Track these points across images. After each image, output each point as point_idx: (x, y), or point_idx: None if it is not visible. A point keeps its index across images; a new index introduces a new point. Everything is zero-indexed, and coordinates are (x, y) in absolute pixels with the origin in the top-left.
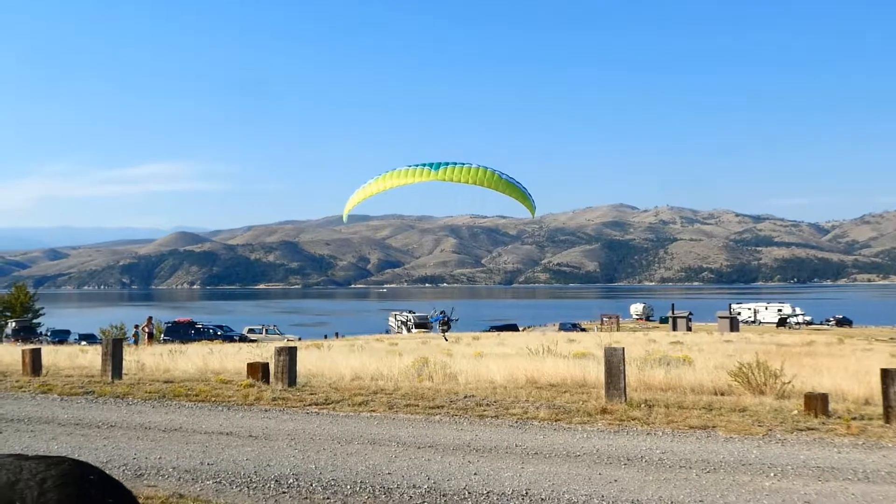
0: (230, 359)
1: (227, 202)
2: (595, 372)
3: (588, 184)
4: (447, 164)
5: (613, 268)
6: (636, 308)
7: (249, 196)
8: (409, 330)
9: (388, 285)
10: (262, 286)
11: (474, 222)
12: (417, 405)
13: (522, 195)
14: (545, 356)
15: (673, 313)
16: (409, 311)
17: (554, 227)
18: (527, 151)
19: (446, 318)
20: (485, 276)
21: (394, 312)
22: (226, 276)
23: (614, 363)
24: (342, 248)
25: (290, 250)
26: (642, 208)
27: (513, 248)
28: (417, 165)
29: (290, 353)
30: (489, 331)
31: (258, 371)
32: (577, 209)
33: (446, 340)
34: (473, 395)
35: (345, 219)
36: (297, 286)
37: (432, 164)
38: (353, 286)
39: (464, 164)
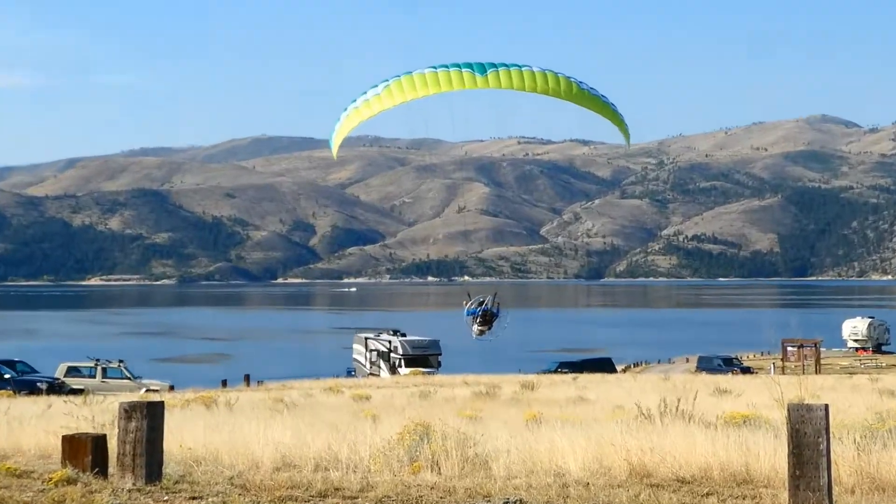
0: (28, 428)
1: (29, 113)
2: (769, 454)
3: (765, 85)
4: (496, 65)
5: (808, 245)
6: (854, 327)
7: (73, 99)
8: (393, 369)
9: (354, 280)
10: (95, 281)
11: (527, 152)
12: None
13: (611, 113)
14: (668, 421)
15: None
16: (394, 333)
17: (687, 164)
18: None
19: (487, 311)
20: (548, 263)
21: (363, 335)
22: (21, 261)
23: (808, 438)
24: (258, 206)
25: (153, 209)
26: (867, 126)
27: (604, 204)
28: (449, 67)
29: (150, 417)
30: (556, 371)
31: (84, 451)
32: (733, 128)
33: (491, 340)
34: (522, 502)
35: (334, 154)
36: (167, 281)
37: (473, 64)
38: (281, 281)
39: (521, 66)
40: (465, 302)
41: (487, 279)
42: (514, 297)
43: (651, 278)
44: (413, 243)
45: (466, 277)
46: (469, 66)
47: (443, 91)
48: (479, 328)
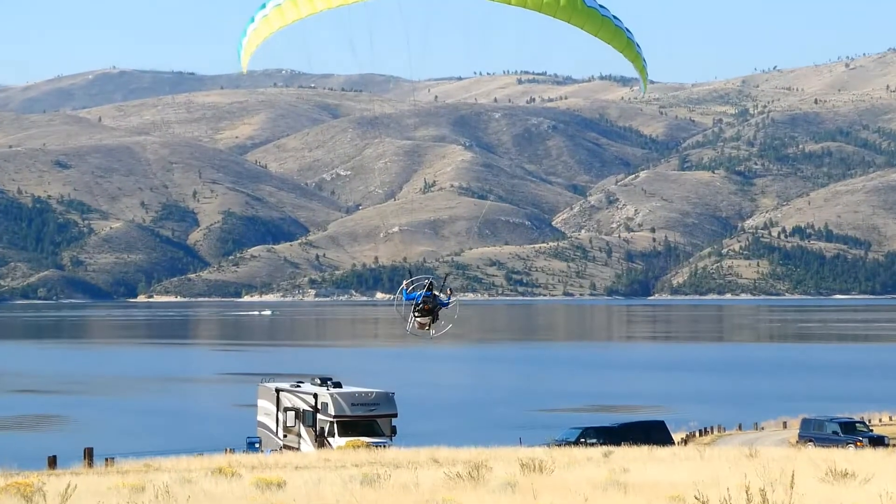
0: None
1: None
2: None
3: None
4: None
5: None
6: None
7: None
8: (321, 438)
9: (263, 299)
10: None
11: (531, 96)
12: None
13: (628, 45)
14: None
15: None
16: (323, 383)
17: (787, 115)
18: None
19: (431, 297)
20: (566, 272)
21: (274, 386)
22: None
23: None
24: (107, 181)
25: None
26: None
27: (654, 178)
28: None
29: None
30: (578, 441)
31: None
32: (858, 56)
33: (431, 334)
34: None
35: (244, 67)
36: None
37: None
38: (144, 300)
39: None
40: (405, 282)
41: (470, 296)
42: (512, 324)
43: (728, 295)
44: (353, 240)
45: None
46: None
47: None
48: (420, 320)
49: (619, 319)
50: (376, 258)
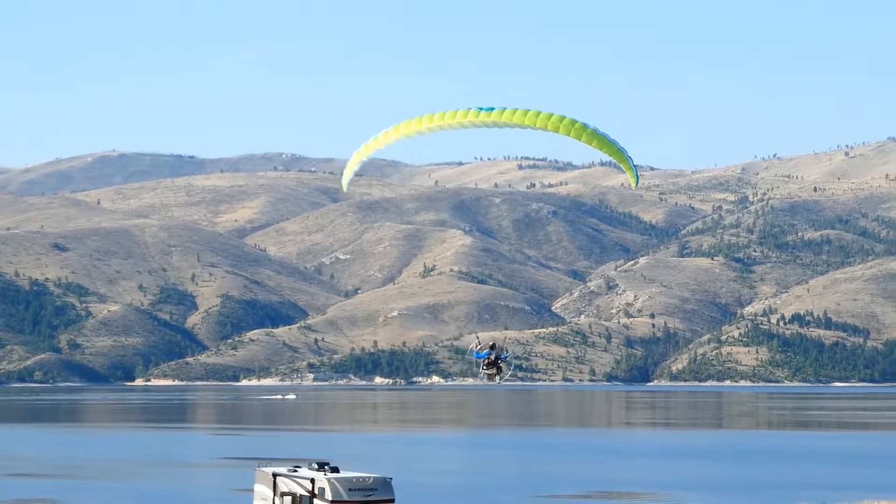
0: None
1: None
2: None
3: None
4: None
5: None
6: None
7: None
8: None
9: (263, 382)
10: None
11: (532, 181)
12: None
13: (619, 154)
14: None
15: None
16: (321, 468)
17: (786, 202)
18: None
19: (493, 356)
20: (565, 357)
21: (270, 470)
22: None
23: None
24: (105, 264)
25: None
26: None
27: (654, 265)
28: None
29: None
30: None
31: None
32: (857, 145)
33: (499, 383)
34: None
35: (345, 187)
36: None
37: (481, 107)
38: (142, 383)
39: (525, 109)
40: (474, 344)
41: (469, 381)
42: (512, 409)
43: (728, 382)
44: (352, 324)
45: (436, 379)
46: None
47: (444, 126)
48: (487, 371)
49: (619, 405)
50: (375, 342)
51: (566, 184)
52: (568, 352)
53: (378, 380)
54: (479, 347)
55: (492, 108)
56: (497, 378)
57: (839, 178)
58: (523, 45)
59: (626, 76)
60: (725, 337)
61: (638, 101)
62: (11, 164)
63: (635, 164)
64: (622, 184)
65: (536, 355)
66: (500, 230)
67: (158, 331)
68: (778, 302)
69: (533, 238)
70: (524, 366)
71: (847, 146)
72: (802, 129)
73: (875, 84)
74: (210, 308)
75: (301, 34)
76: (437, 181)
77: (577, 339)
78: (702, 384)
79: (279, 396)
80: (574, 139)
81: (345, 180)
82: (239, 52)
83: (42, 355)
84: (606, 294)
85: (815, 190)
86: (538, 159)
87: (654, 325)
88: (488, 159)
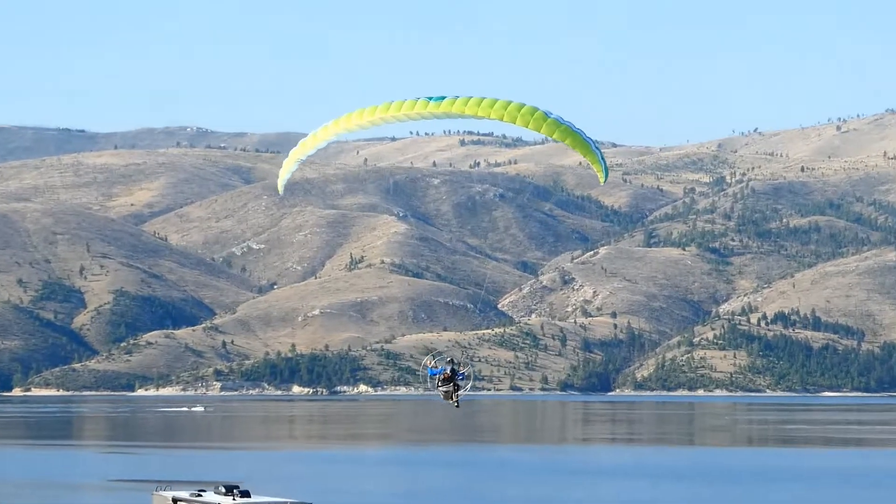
0: None
1: None
2: None
3: None
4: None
5: None
6: None
7: None
8: None
9: (163, 391)
10: None
11: (476, 159)
12: None
13: (584, 146)
14: None
15: None
16: (229, 492)
17: (768, 184)
18: None
19: (451, 370)
20: (514, 362)
21: (170, 494)
22: None
23: None
24: None
25: None
26: None
27: (616, 255)
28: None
29: None
30: None
31: None
32: (850, 118)
33: (457, 406)
34: None
35: (280, 189)
36: None
37: (431, 96)
38: (20, 393)
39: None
40: (427, 360)
41: (402, 391)
42: (451, 422)
43: (701, 392)
44: (266, 325)
45: (364, 388)
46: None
47: (397, 117)
48: (443, 389)
49: (575, 418)
50: (293, 346)
51: (515, 162)
52: (517, 356)
53: (296, 389)
54: (433, 363)
55: (442, 98)
56: (453, 397)
57: (830, 157)
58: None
59: (586, 40)
60: (698, 339)
61: (598, 68)
62: None
63: (603, 155)
64: (580, 163)
65: (480, 360)
66: (438, 216)
67: (40, 332)
68: (759, 299)
69: (477, 225)
70: (464, 373)
71: (839, 119)
72: (787, 100)
73: (871, 48)
74: (101, 306)
75: None
76: (366, 159)
77: (528, 341)
78: (671, 394)
79: (185, 408)
80: (533, 130)
81: (280, 182)
82: (135, 7)
83: None
84: (561, 290)
85: (802, 170)
86: (483, 134)
87: (615, 326)
88: (426, 134)
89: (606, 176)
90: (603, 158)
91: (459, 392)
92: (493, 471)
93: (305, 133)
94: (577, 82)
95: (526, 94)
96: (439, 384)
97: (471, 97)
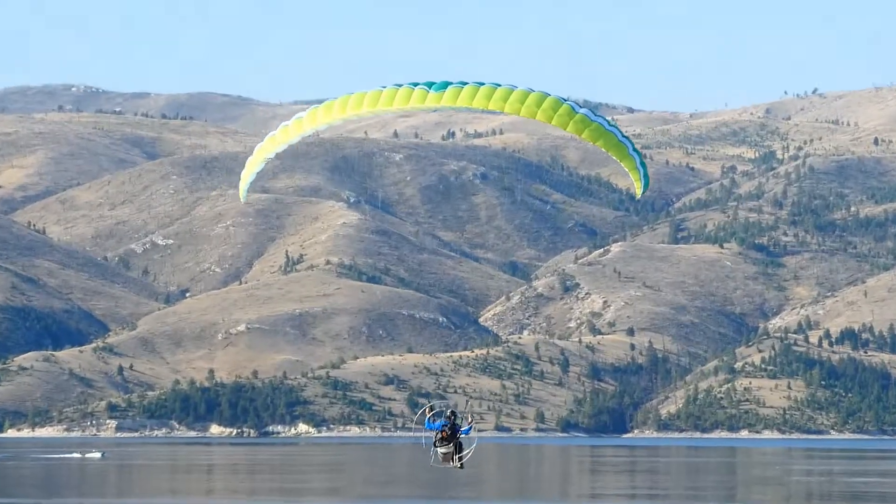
0: None
1: None
2: None
3: None
4: (462, 84)
5: None
6: None
7: None
8: None
9: (40, 432)
10: None
11: (451, 128)
12: None
13: (623, 151)
14: None
15: None
16: None
17: (832, 161)
18: None
19: (451, 423)
20: (500, 394)
21: None
22: None
23: None
24: None
25: None
26: None
27: (631, 254)
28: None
29: None
30: None
31: None
32: None
33: (461, 468)
34: None
35: (242, 197)
36: None
37: (432, 83)
38: None
39: (495, 84)
40: (426, 410)
41: (354, 431)
42: (418, 473)
43: (744, 433)
44: (176, 345)
45: (305, 428)
46: (427, 84)
47: (388, 109)
48: (443, 450)
49: (580, 467)
50: (212, 372)
51: (501, 133)
52: (504, 386)
53: (216, 429)
54: (430, 416)
55: (445, 85)
56: (455, 460)
57: None
58: None
59: None
60: (741, 364)
61: (612, 11)
62: None
63: (643, 160)
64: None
65: (456, 391)
66: (401, 202)
67: None
68: (820, 312)
69: (452, 214)
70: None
71: None
72: (855, 53)
73: None
74: None
75: None
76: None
77: (518, 366)
78: (706, 436)
79: (78, 454)
80: (557, 127)
81: (242, 187)
82: None
83: None
84: (562, 299)
85: (875, 143)
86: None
87: (633, 347)
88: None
89: (646, 188)
90: (643, 164)
91: (464, 452)
92: None
93: (225, 94)
94: (587, 31)
95: (530, 48)
96: (436, 444)
97: (480, 85)
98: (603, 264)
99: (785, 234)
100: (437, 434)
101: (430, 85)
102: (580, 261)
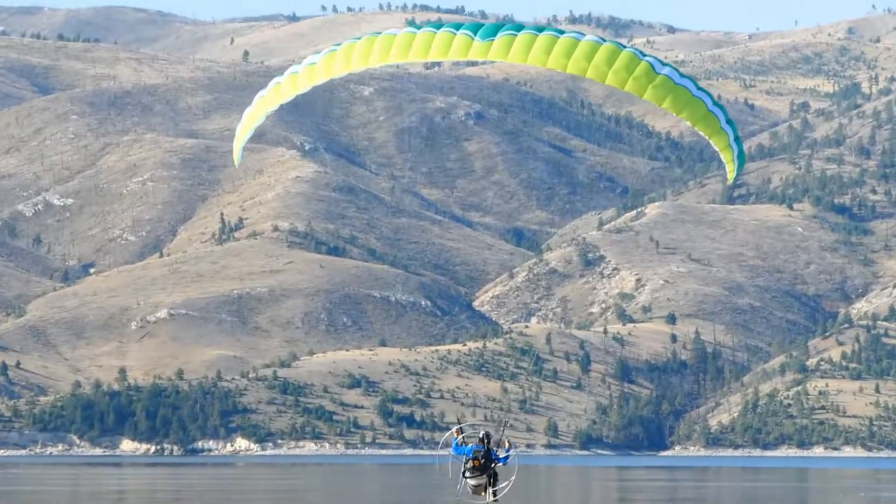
0: None
1: None
2: None
3: None
4: (508, 28)
5: None
6: None
7: None
8: None
9: None
10: None
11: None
12: None
13: (714, 126)
14: None
15: None
16: None
17: None
18: None
19: (483, 452)
20: (499, 402)
21: None
22: None
23: None
24: None
25: None
26: None
27: (674, 215)
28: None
29: None
30: None
31: None
32: None
33: (495, 502)
34: None
35: (236, 161)
36: None
37: (459, 25)
38: None
39: (536, 30)
40: (454, 430)
41: (310, 448)
42: (396, 499)
43: (820, 449)
44: (76, 336)
45: (245, 444)
46: (468, 27)
47: (418, 59)
48: (473, 482)
49: (605, 496)
50: (123, 371)
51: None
52: (505, 390)
53: (128, 446)
54: (460, 439)
55: (493, 33)
56: (488, 493)
57: None
58: None
59: None
60: (816, 361)
61: None
62: None
63: (739, 136)
64: None
65: (443, 395)
66: (371, 150)
67: None
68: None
69: (438, 165)
70: (420, 417)
71: None
72: None
73: None
74: None
75: None
76: (246, 52)
77: (524, 364)
78: (769, 454)
79: None
80: (629, 92)
81: (236, 150)
82: None
83: None
84: (581, 276)
85: None
86: (447, 11)
87: (674, 339)
88: (348, 10)
89: (739, 173)
90: (738, 139)
91: (501, 485)
92: None
93: (140, 9)
94: None
95: None
96: (466, 473)
97: (537, 34)
98: (636, 231)
99: (873, 191)
100: (466, 461)
101: (471, 29)
102: (606, 226)
